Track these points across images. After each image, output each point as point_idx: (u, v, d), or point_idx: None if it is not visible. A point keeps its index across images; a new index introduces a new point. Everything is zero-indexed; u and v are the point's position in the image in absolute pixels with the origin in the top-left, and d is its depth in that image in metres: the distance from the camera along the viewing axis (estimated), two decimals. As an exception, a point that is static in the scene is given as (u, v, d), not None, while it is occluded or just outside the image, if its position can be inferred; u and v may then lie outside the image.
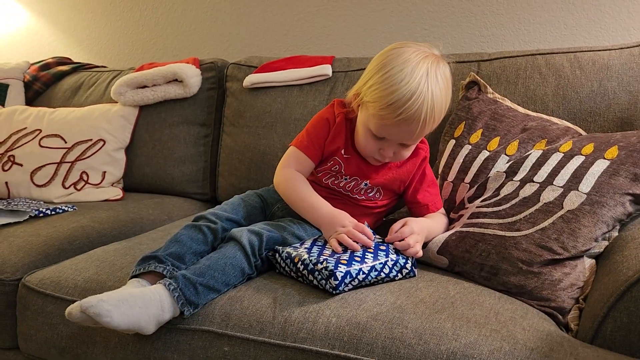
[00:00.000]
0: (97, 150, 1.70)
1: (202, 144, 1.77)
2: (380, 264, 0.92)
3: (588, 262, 0.95)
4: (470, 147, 1.18)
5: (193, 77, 1.73)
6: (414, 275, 0.97)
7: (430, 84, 0.94)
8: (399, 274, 0.95)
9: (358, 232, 0.96)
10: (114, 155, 1.73)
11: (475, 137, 1.18)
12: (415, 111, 0.94)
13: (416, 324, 0.81)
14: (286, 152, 1.15)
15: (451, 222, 1.12)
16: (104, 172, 1.70)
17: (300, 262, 0.93)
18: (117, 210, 1.53)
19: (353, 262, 0.90)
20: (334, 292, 0.88)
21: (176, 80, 1.75)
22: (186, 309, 0.89)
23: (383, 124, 0.98)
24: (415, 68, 0.95)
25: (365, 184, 1.11)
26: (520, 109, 1.23)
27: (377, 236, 1.03)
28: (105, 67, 2.11)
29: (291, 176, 1.11)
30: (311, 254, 0.93)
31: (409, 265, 0.96)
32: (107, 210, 1.51)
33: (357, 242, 0.96)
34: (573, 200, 0.96)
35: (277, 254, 0.99)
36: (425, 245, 1.04)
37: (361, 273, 0.90)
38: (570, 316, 0.89)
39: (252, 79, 1.66)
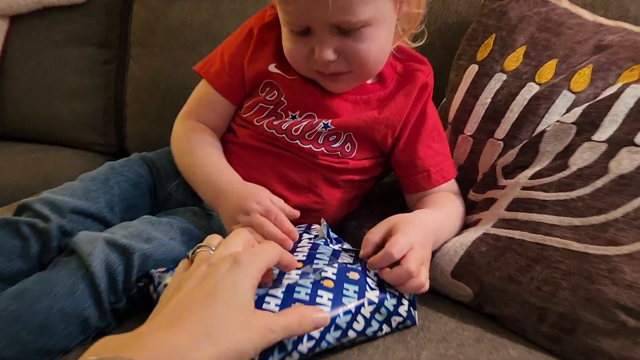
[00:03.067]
0: (-59, 81, 1.16)
1: (101, 72, 1.26)
2: (347, 313, 0.46)
3: None
4: (505, 76, 0.69)
5: (82, -26, 1.18)
6: (414, 324, 0.51)
7: None
8: (384, 327, 0.49)
9: (280, 212, 0.56)
10: (-29, 87, 1.19)
11: (514, 60, 0.69)
12: None
13: None
14: (194, 90, 0.74)
15: (470, 209, 0.65)
16: (-44, 112, 1.18)
17: None
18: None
19: None
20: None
21: (59, -23, 1.20)
22: None
23: (286, 2, 0.58)
24: None
25: (325, 126, 0.64)
26: (587, 15, 0.73)
27: (344, 245, 0.56)
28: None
29: (189, 131, 0.70)
30: None
31: (404, 309, 0.50)
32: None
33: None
34: None
35: (152, 285, 0.52)
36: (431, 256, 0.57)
37: (306, 340, 0.43)
38: None
39: (164, -26, 1.11)
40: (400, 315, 0.50)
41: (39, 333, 0.48)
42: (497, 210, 0.58)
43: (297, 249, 0.52)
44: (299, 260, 0.50)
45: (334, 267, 0.49)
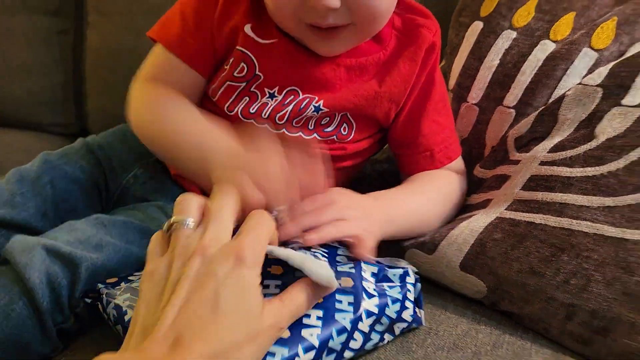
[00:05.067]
0: None
1: (56, 44, 1.14)
2: (342, 332, 0.37)
3: None
4: (514, 34, 0.60)
5: None
6: (420, 324, 0.43)
7: None
8: (385, 337, 0.41)
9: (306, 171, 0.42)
10: None
11: (525, 14, 0.60)
12: None
13: None
14: (148, 55, 0.57)
15: (477, 185, 0.57)
16: None
17: None
18: None
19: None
20: None
21: (3, -64, 1.06)
22: None
23: None
24: None
25: (317, 109, 0.52)
26: (605, -38, 0.64)
27: (338, 248, 0.46)
28: None
29: (161, 96, 0.53)
30: None
31: (408, 313, 0.42)
32: None
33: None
34: None
35: (100, 304, 0.42)
36: (433, 248, 0.49)
37: None
38: None
39: None
40: (404, 320, 0.41)
41: None
42: (512, 190, 0.50)
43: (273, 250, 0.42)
44: (276, 265, 0.40)
45: None
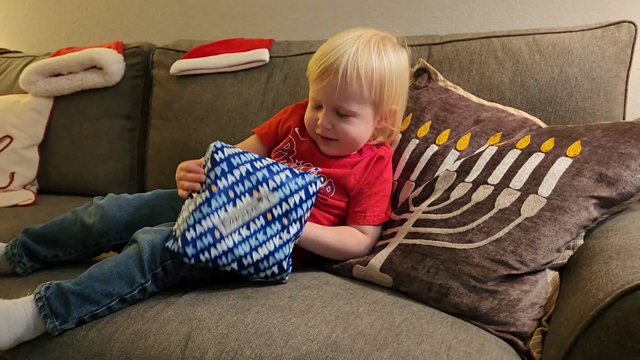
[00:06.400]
0: (2, 149, 1.49)
1: (127, 139, 1.59)
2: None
3: (550, 275, 0.83)
4: (417, 141, 1.03)
5: (114, 64, 1.54)
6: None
7: (358, 43, 0.93)
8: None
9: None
10: (25, 153, 1.53)
11: (424, 130, 1.04)
12: (333, 61, 0.92)
13: (351, 366, 0.67)
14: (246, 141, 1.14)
15: (391, 224, 0.97)
16: (13, 172, 1.50)
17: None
18: (23, 218, 1.33)
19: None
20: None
21: (95, 67, 1.54)
22: (49, 322, 0.76)
23: (311, 83, 0.97)
24: (350, 32, 0.96)
25: (315, 169, 1.00)
26: (474, 98, 1.10)
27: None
28: (19, 52, 1.88)
29: None
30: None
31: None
32: (12, 218, 1.31)
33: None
34: (532, 206, 0.83)
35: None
36: (366, 263, 0.90)
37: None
38: (533, 342, 0.77)
39: (179, 65, 1.48)
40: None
41: (105, 284, 0.79)
42: (407, 227, 0.92)
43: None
44: None
45: None
